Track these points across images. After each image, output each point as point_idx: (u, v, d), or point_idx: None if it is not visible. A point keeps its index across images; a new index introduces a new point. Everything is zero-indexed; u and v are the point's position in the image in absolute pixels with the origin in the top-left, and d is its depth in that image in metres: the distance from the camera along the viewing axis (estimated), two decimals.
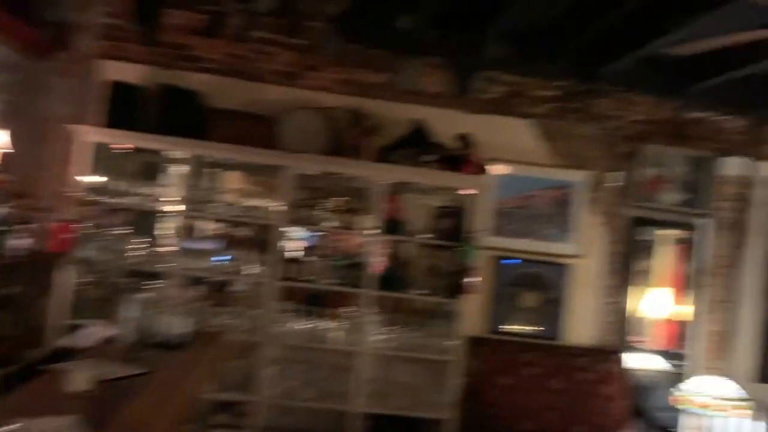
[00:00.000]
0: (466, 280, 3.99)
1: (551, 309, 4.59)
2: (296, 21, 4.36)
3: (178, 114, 4.00)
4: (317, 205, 4.17)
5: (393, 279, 4.09)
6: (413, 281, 4.16)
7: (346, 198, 4.24)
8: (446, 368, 4.04)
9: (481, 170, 4.17)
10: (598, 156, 4.68)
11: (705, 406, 4.04)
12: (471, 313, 4.21)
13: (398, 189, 4.18)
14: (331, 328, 4.10)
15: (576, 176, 4.63)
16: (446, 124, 4.33)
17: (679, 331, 4.85)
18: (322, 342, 4.05)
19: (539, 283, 4.59)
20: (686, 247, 4.86)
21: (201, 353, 2.77)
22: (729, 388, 4.18)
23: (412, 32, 4.24)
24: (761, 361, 4.79)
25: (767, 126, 4.81)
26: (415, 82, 4.47)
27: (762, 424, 4.39)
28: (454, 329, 4.06)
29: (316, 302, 4.19)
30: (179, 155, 4.00)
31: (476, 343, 4.34)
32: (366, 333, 4.04)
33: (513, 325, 4.57)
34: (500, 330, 4.54)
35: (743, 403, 4.13)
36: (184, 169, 4.00)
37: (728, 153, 4.78)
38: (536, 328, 4.58)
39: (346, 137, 4.19)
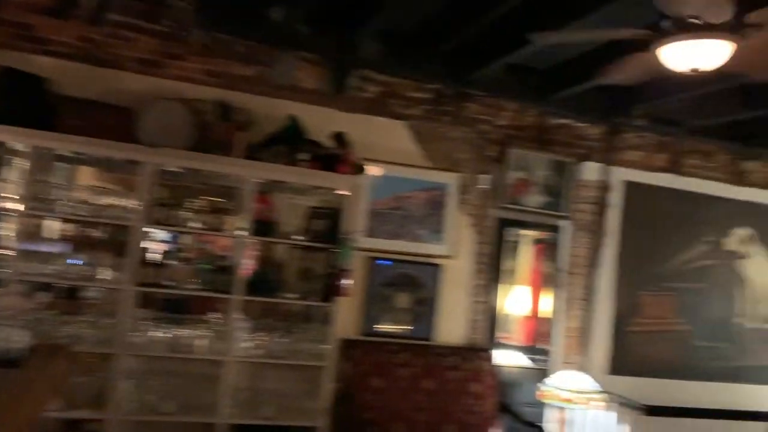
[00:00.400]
0: (339, 282, 3.89)
1: (424, 309, 4.61)
2: (158, 5, 4.05)
3: (19, 101, 3.55)
4: (181, 205, 3.89)
5: (263, 283, 3.91)
6: (284, 285, 4.00)
7: (214, 197, 4.00)
8: (318, 373, 3.92)
9: (355, 170, 4.08)
10: (468, 159, 4.77)
11: (568, 401, 4.22)
12: (344, 315, 4.12)
13: (270, 188, 4.00)
14: (195, 336, 3.84)
15: (447, 178, 4.69)
16: (321, 121, 4.21)
17: (542, 327, 5.07)
18: (185, 351, 3.78)
19: (412, 284, 4.60)
20: (548, 247, 5.10)
21: (43, 368, 2.45)
22: (587, 381, 4.42)
23: (284, 25, 4.08)
24: (613, 354, 5.12)
25: (621, 133, 5.14)
26: (289, 76, 4.31)
27: (614, 414, 4.69)
28: (327, 333, 3.94)
29: (178, 309, 3.91)
30: (20, 147, 3.56)
31: (349, 346, 4.27)
32: (234, 340, 3.82)
33: (386, 326, 4.54)
34: (374, 332, 4.49)
35: (599, 395, 4.38)
36: (27, 163, 3.57)
37: (587, 158, 5.07)
38: (409, 329, 4.58)
39: (214, 132, 3.93)
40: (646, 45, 2.61)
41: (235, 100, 4.08)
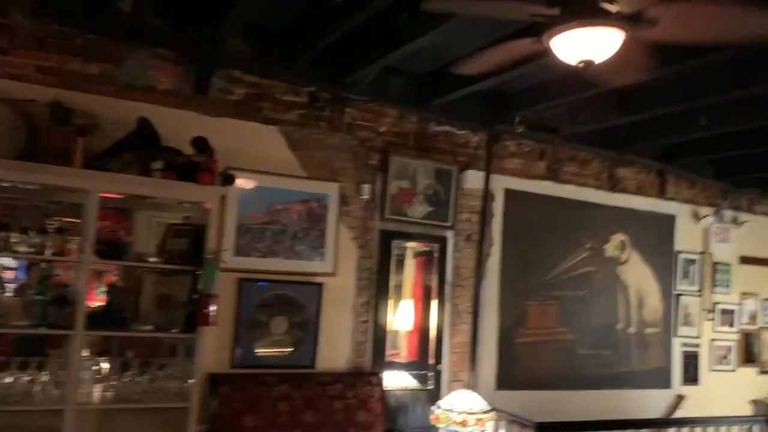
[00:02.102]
0: (204, 309, 3.39)
1: (304, 334, 4.19)
2: None
3: None
4: (9, 226, 3.24)
5: (112, 314, 3.34)
6: (139, 315, 3.45)
7: (52, 216, 3.38)
8: (182, 416, 3.38)
9: (220, 180, 3.61)
10: (349, 167, 4.44)
11: (462, 423, 3.96)
12: (212, 347, 3.64)
13: (122, 203, 3.44)
14: (28, 381, 3.19)
15: (326, 188, 4.33)
16: (179, 126, 3.70)
17: (430, 343, 4.81)
18: (17, 402, 3.12)
19: (290, 306, 4.16)
20: (434, 259, 4.86)
21: None
22: (477, 400, 4.19)
23: (133, 16, 3.55)
24: (501, 368, 4.96)
25: (501, 141, 5.04)
26: (141, 75, 3.77)
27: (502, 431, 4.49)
28: (191, 368, 3.43)
29: (11, 350, 3.26)
30: None
31: (218, 382, 3.76)
32: (77, 385, 3.20)
33: (262, 355, 4.06)
34: (247, 363, 3.99)
35: (490, 414, 4.16)
36: None
37: (469, 166, 4.90)
38: (288, 357, 4.13)
39: (48, 138, 3.32)
40: (535, 32, 2.40)
41: (74, 101, 3.47)
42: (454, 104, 4.56)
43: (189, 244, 3.52)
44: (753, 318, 6.30)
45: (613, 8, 2.18)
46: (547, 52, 2.50)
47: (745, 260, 6.29)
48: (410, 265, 4.92)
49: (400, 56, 3.79)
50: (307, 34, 3.80)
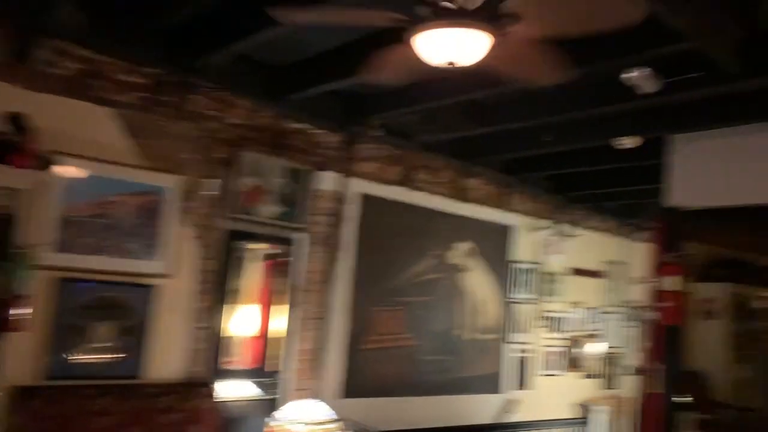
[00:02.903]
0: (9, 312, 2.90)
1: (132, 341, 3.77)
2: None
3: None
4: None
5: None
6: None
7: None
8: None
9: (39, 164, 3.14)
10: (193, 160, 4.09)
11: None
12: (19, 356, 3.14)
13: None
14: None
15: (166, 181, 3.94)
16: None
17: (273, 351, 4.58)
18: None
19: (118, 310, 3.72)
20: (282, 262, 4.65)
21: None
22: (321, 409, 4.02)
23: None
24: (347, 376, 4.85)
25: (358, 143, 4.94)
26: None
27: None
28: None
29: None
30: None
31: (26, 395, 3.26)
32: None
33: (83, 364, 3.59)
34: (63, 374, 3.50)
35: (334, 425, 4.01)
36: None
37: (324, 167, 4.75)
38: (112, 366, 3.69)
39: None
40: (402, 36, 2.30)
41: None
42: (312, 102, 4.40)
43: None
44: (578, 326, 6.76)
45: (451, 5, 2.12)
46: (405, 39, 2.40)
47: (575, 271, 6.75)
48: (257, 268, 4.67)
49: (255, 44, 3.55)
50: (155, 11, 3.43)
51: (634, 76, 3.45)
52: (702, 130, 4.24)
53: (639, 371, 7.25)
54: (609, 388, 7.02)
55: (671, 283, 4.54)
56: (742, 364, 7.63)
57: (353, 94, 4.56)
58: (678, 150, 4.48)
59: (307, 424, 3.87)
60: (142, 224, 3.84)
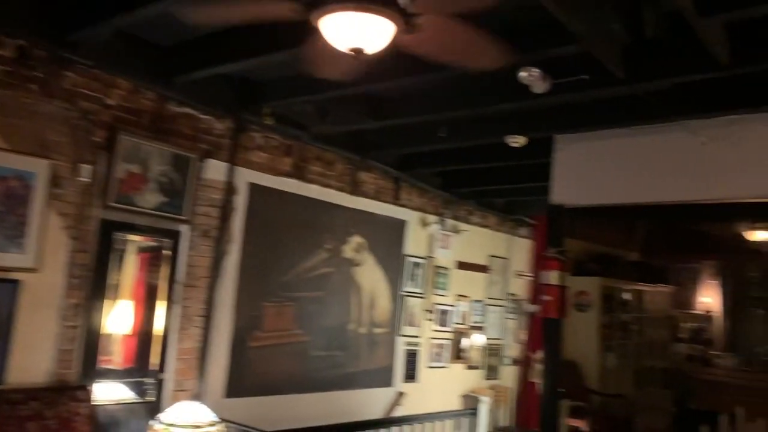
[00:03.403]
0: None
1: None
2: None
3: None
4: None
5: None
6: None
7: None
8: None
9: None
10: (64, 143, 3.72)
11: None
12: None
13: None
14: None
15: (33, 165, 3.55)
16: None
17: (152, 350, 4.29)
18: None
19: None
20: (164, 255, 4.36)
21: None
22: (204, 411, 3.81)
23: None
24: (233, 375, 4.65)
25: (248, 131, 4.74)
26: None
27: None
28: None
29: None
30: None
31: None
32: None
33: None
34: None
35: (218, 427, 3.81)
36: None
37: (211, 155, 4.50)
38: None
39: None
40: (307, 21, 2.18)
41: None
42: (200, 85, 4.16)
43: None
44: (464, 318, 6.93)
45: None
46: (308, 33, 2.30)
47: (461, 265, 6.90)
48: (134, 261, 4.34)
49: (139, 20, 3.28)
50: None
51: (526, 75, 3.52)
52: (586, 131, 4.44)
53: (517, 362, 7.59)
54: (490, 378, 7.27)
55: (552, 277, 4.73)
56: (610, 353, 8.19)
57: (245, 80, 4.36)
58: (561, 149, 4.67)
59: (184, 427, 3.65)
60: (4, 212, 3.43)
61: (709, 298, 9.91)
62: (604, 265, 8.66)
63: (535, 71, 3.52)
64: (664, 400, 8.69)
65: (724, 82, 3.47)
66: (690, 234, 8.66)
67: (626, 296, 8.80)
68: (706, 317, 9.85)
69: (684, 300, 9.96)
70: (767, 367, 8.92)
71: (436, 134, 4.84)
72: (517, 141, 4.61)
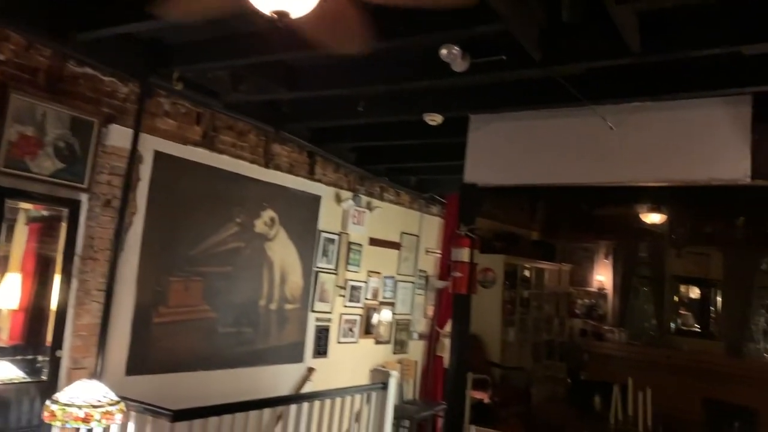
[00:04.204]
0: None
1: None
2: None
3: None
4: None
5: None
6: None
7: None
8: None
9: None
10: None
11: (85, 419, 3.34)
12: None
13: None
14: None
15: None
16: None
17: (46, 327, 4.02)
18: None
19: None
20: (60, 225, 4.07)
21: None
22: (103, 390, 3.61)
23: None
24: (134, 352, 4.43)
25: (156, 96, 4.48)
26: None
27: (133, 423, 4.00)
28: None
29: None
30: None
31: None
32: None
33: None
34: None
35: (118, 405, 3.63)
36: None
37: (114, 120, 4.22)
38: None
39: None
40: None
41: None
42: (103, 44, 3.88)
43: None
44: (375, 294, 6.97)
45: None
46: None
47: (373, 242, 6.92)
48: (24, 231, 4.03)
49: None
50: None
51: (447, 53, 3.52)
52: (501, 111, 4.51)
53: (424, 336, 7.75)
54: (398, 353, 7.37)
55: (463, 254, 4.81)
56: (511, 328, 8.52)
57: (154, 41, 4.10)
58: (476, 129, 4.72)
59: (82, 407, 3.45)
60: None
61: (603, 277, 10.50)
62: (508, 243, 8.97)
63: (456, 49, 3.51)
64: (560, 372, 9.19)
65: (633, 69, 3.61)
66: (587, 215, 9.10)
67: (527, 273, 9.17)
68: (600, 294, 10.44)
69: (580, 278, 10.50)
70: (653, 341, 9.62)
71: (353, 109, 4.76)
72: (434, 119, 4.62)
